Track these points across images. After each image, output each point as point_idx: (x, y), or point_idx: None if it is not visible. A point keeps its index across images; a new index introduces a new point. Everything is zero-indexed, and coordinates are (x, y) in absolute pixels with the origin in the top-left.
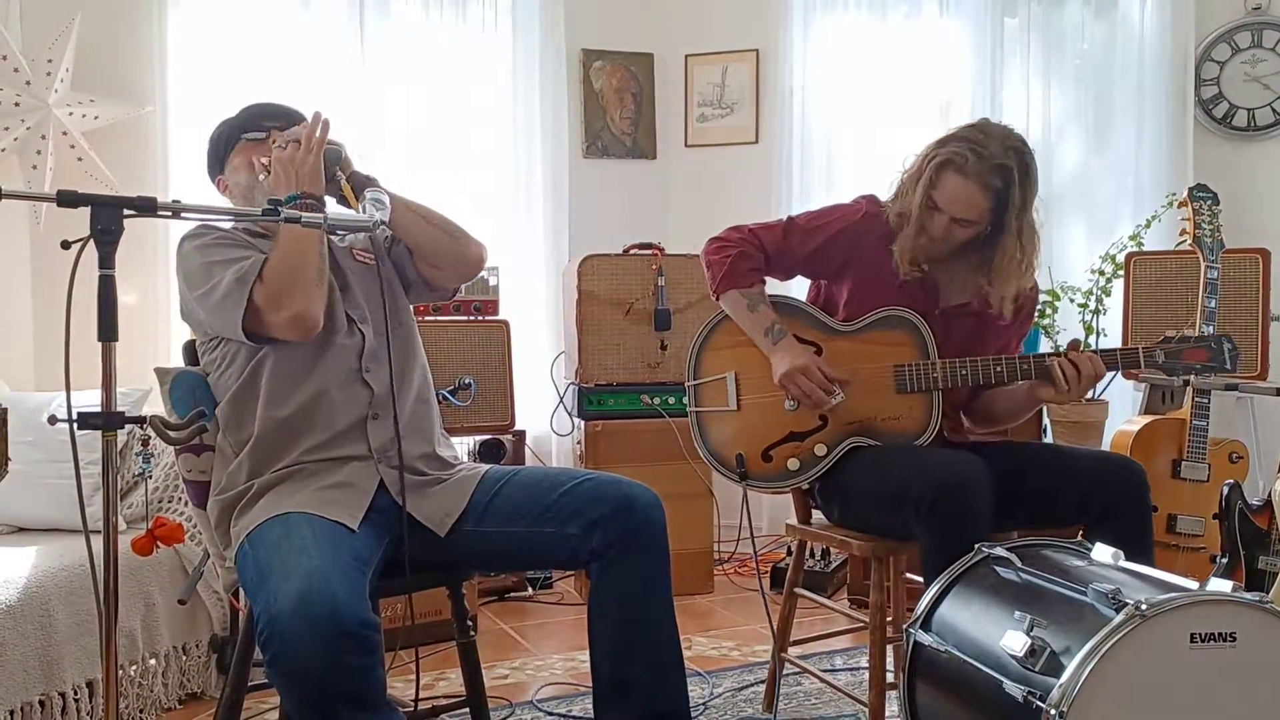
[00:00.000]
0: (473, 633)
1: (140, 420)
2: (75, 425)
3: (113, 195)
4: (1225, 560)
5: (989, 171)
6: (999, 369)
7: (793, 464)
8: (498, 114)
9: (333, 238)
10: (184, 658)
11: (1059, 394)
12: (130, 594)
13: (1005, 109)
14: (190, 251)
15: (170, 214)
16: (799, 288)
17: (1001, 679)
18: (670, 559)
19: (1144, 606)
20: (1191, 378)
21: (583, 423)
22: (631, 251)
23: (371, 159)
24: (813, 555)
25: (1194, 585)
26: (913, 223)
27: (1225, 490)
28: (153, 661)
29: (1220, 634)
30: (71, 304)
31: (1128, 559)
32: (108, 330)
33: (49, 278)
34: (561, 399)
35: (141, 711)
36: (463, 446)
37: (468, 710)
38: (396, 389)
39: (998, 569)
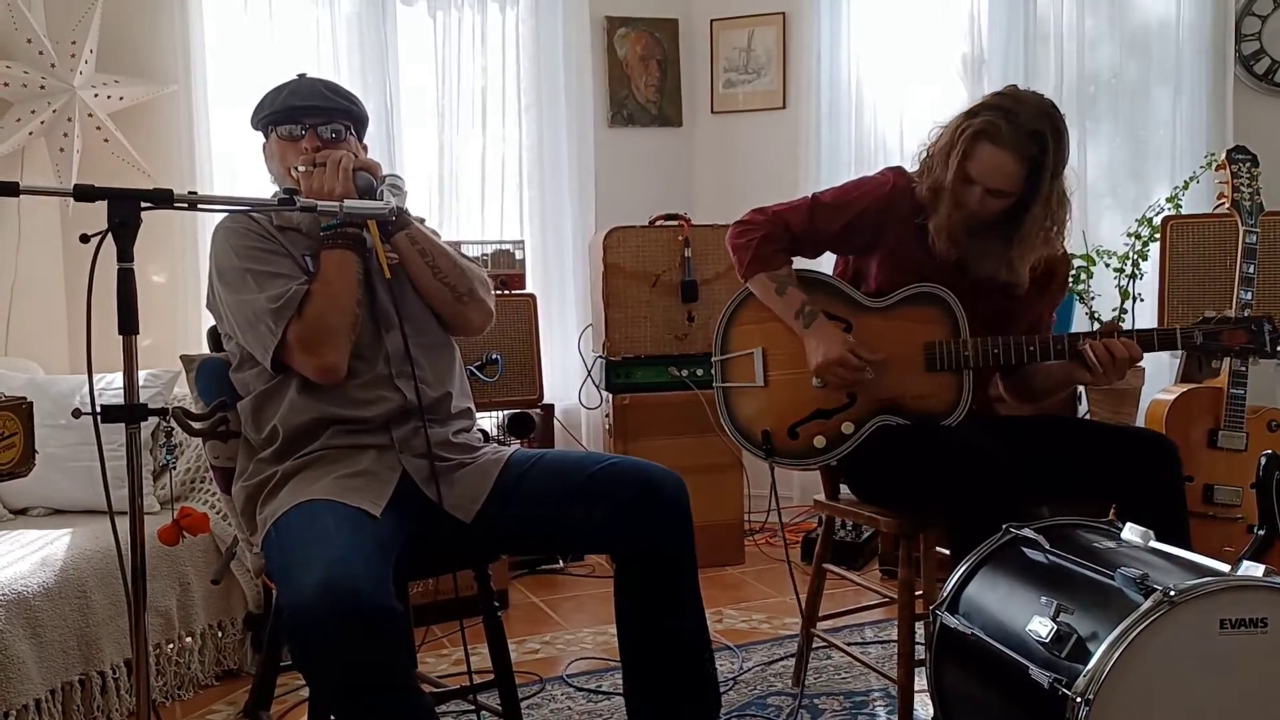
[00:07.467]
0: (499, 613)
1: (162, 412)
2: (99, 418)
3: (129, 189)
4: (1262, 532)
5: (1024, 139)
6: (1032, 349)
7: (819, 442)
8: (522, 86)
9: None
10: (220, 635)
11: (1094, 377)
12: (165, 575)
13: (1038, 67)
14: (224, 246)
15: (186, 205)
16: (825, 261)
17: (1028, 665)
18: (695, 542)
19: (1173, 592)
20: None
21: (611, 395)
22: (658, 223)
23: (396, 136)
24: (844, 525)
25: (1225, 568)
26: (946, 199)
27: (1263, 460)
28: (189, 640)
29: (1251, 620)
30: (93, 295)
31: (1161, 537)
32: (128, 324)
33: (80, 261)
34: (589, 372)
35: (180, 688)
36: (491, 421)
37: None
38: (436, 393)
39: (1025, 550)
